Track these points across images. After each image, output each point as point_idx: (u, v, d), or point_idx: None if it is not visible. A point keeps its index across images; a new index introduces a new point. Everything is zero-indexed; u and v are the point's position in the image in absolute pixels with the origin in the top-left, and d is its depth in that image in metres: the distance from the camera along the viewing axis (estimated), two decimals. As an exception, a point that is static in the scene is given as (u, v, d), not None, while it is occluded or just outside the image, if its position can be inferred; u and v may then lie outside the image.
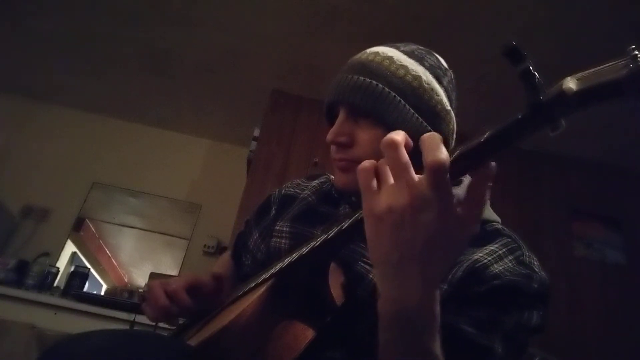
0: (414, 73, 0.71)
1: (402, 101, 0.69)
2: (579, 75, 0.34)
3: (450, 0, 2.04)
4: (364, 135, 0.69)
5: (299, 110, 2.75)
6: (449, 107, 0.73)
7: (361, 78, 0.69)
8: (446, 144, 0.73)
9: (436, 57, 0.76)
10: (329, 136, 0.70)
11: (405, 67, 0.71)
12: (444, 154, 0.37)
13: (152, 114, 3.35)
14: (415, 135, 0.69)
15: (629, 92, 0.31)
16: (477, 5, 2.03)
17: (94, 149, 3.34)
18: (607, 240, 2.61)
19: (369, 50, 0.75)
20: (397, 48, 0.74)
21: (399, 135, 0.41)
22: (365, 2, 2.12)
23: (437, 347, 0.43)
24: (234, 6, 2.27)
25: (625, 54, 0.31)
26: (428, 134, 0.40)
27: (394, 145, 0.40)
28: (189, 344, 0.54)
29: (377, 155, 0.63)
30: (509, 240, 0.64)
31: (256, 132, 2.68)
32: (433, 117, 0.71)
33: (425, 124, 0.70)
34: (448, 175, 0.38)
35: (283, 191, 0.89)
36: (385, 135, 0.65)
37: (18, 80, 3.22)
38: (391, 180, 0.41)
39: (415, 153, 0.44)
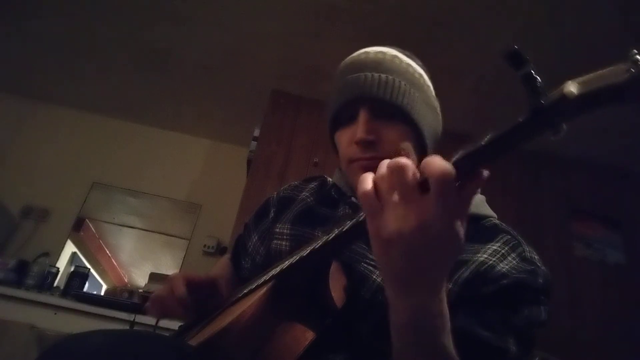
0: (418, 70, 0.74)
1: (419, 96, 0.71)
2: (579, 79, 0.34)
3: (450, 0, 2.04)
4: (391, 132, 0.69)
5: (299, 110, 2.75)
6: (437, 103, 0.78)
7: (383, 75, 0.69)
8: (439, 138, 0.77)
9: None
10: (360, 135, 0.67)
11: (411, 65, 0.73)
12: (449, 164, 0.37)
13: (152, 114, 3.35)
14: (429, 129, 0.73)
15: (630, 97, 0.31)
16: (477, 5, 2.03)
17: (94, 149, 3.34)
18: (607, 240, 2.61)
19: (371, 50, 0.74)
20: (394, 48, 0.76)
21: (405, 159, 0.41)
22: (365, 2, 2.12)
23: (450, 342, 0.45)
24: (234, 6, 2.27)
25: (626, 58, 0.31)
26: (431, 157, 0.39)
27: (402, 168, 0.39)
28: (189, 344, 0.54)
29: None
30: (509, 237, 0.65)
31: (256, 132, 2.67)
32: (434, 112, 0.75)
33: (433, 118, 0.74)
34: (454, 185, 0.37)
35: (281, 194, 0.89)
36: (409, 131, 0.70)
37: (18, 80, 3.21)
38: (395, 199, 0.40)
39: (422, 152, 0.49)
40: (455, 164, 0.38)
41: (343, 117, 0.74)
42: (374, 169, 0.67)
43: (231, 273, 0.93)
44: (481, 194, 0.74)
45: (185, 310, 0.69)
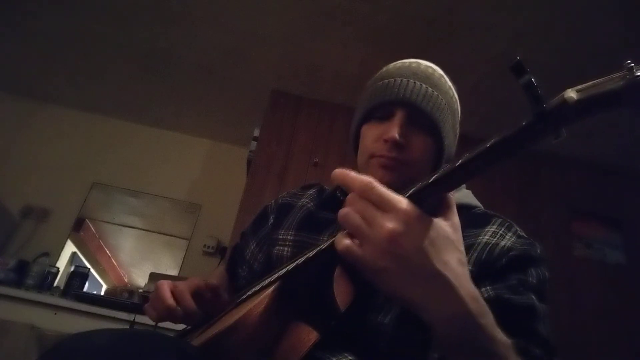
0: (455, 96, 0.80)
1: (451, 119, 0.76)
2: (578, 87, 0.36)
3: (450, 1, 2.04)
4: (420, 141, 0.72)
5: (299, 110, 2.75)
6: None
7: (430, 88, 0.73)
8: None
9: None
10: (393, 134, 0.69)
11: (452, 89, 0.79)
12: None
13: (152, 114, 3.35)
14: (449, 150, 0.76)
15: (626, 102, 0.34)
16: (477, 5, 2.03)
17: (94, 149, 3.34)
18: (607, 240, 2.61)
19: (422, 62, 0.78)
20: (439, 68, 0.80)
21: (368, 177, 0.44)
22: (365, 2, 2.12)
23: (498, 330, 0.44)
24: (234, 6, 2.27)
25: (621, 67, 0.34)
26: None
27: (371, 184, 0.43)
28: (191, 344, 0.54)
29: (423, 162, 0.71)
30: (501, 220, 0.70)
31: (256, 132, 2.68)
32: (455, 137, 0.80)
33: (453, 141, 0.79)
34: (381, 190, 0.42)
35: (280, 201, 0.90)
36: (434, 146, 0.74)
37: (18, 80, 3.21)
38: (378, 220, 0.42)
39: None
40: (460, 167, 0.42)
41: (376, 113, 0.76)
42: (392, 168, 0.71)
43: (227, 283, 0.92)
44: (479, 193, 0.78)
45: (188, 318, 0.69)
